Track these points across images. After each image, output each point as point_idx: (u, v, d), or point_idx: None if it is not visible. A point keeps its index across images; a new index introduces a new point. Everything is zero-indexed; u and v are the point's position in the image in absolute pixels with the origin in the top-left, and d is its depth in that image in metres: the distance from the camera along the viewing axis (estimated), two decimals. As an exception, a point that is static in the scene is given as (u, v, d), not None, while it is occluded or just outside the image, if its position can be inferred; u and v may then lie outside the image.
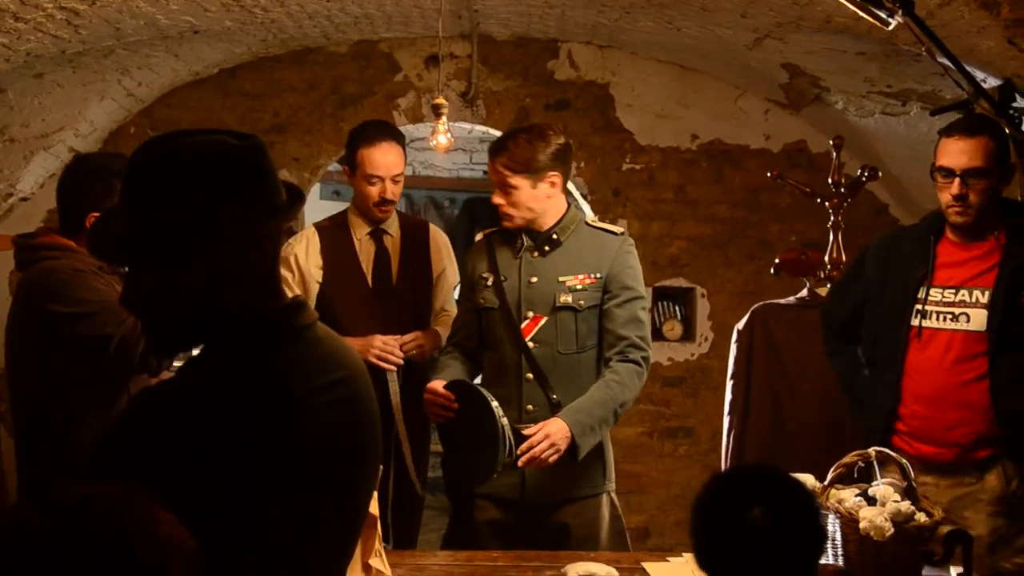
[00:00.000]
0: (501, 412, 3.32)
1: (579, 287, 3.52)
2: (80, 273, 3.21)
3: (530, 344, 3.51)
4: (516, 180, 3.50)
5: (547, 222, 3.57)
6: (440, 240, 4.38)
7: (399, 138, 4.17)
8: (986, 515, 3.37)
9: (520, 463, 3.33)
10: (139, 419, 1.68)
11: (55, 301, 3.17)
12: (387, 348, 3.98)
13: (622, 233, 3.65)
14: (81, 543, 1.34)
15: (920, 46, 3.15)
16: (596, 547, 3.48)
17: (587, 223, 3.68)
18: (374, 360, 3.93)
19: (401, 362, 4.02)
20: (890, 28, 3.08)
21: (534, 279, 3.55)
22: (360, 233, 4.19)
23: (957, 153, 3.37)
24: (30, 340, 3.27)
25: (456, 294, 4.04)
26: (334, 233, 4.21)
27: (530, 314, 3.53)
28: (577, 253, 3.57)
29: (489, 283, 3.62)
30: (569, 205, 3.65)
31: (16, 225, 4.88)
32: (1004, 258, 3.39)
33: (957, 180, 3.37)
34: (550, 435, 3.32)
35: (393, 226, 4.25)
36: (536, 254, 3.57)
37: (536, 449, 3.30)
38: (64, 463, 3.15)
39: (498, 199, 3.56)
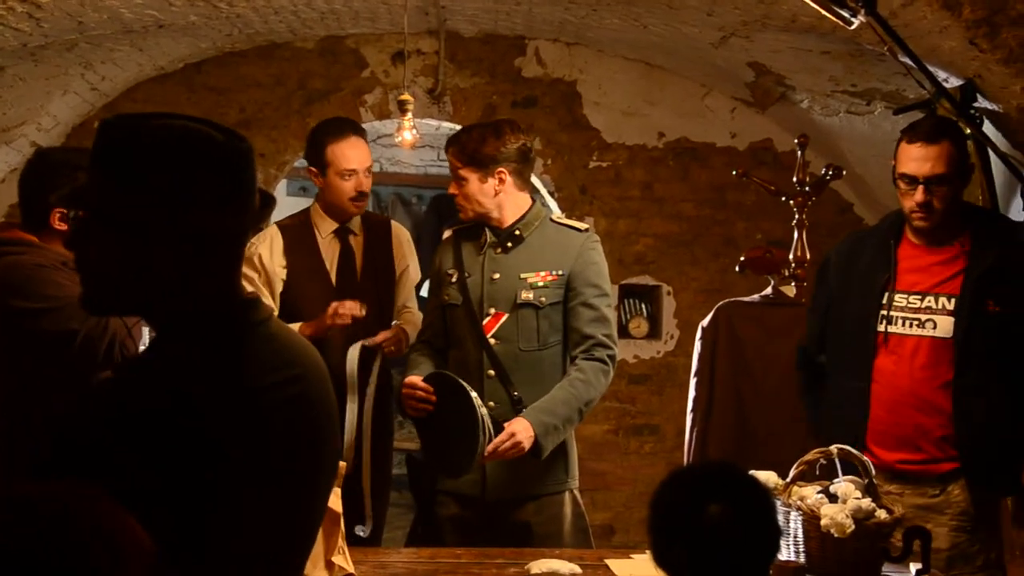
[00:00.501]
0: (480, 402, 3.33)
1: (540, 284, 3.51)
2: (43, 268, 3.19)
3: (491, 341, 3.51)
4: (464, 172, 3.53)
5: (506, 218, 3.57)
6: (402, 236, 4.37)
7: (363, 132, 4.20)
8: (948, 529, 3.35)
9: (482, 459, 3.34)
10: (96, 412, 1.66)
11: (18, 296, 3.14)
12: (340, 306, 3.91)
13: (587, 229, 3.64)
14: (40, 542, 1.33)
15: (883, 45, 3.17)
16: (559, 544, 3.47)
17: (552, 220, 3.68)
18: (330, 321, 3.89)
19: (359, 312, 3.94)
20: (853, 27, 3.10)
21: (496, 275, 3.54)
22: (324, 231, 4.18)
23: (920, 160, 3.34)
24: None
25: (424, 290, 4.02)
26: (298, 232, 4.18)
27: (492, 311, 3.52)
28: (540, 250, 3.56)
29: (454, 280, 3.61)
30: (534, 201, 3.64)
31: (-23, 220, 4.85)
32: (969, 264, 3.37)
33: (921, 188, 3.33)
34: (515, 434, 3.33)
35: (357, 224, 4.24)
36: (499, 251, 3.57)
37: (500, 449, 3.32)
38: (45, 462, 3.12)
39: (452, 189, 3.60)
